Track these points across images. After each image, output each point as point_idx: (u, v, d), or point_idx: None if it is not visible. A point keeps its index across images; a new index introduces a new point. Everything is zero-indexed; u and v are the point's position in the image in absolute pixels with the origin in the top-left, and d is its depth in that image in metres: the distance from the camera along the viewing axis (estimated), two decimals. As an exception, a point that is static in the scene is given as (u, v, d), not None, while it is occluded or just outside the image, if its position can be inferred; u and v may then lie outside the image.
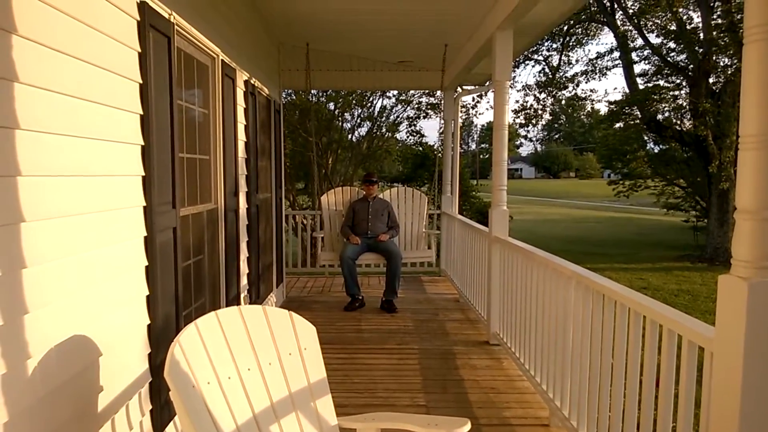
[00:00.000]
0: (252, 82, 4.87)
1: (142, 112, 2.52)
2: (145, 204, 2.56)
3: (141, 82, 2.51)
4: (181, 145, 3.15)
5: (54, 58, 1.86)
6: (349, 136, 16.84)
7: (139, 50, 2.50)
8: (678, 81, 17.13)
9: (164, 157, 2.75)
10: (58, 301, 1.90)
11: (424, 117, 16.94)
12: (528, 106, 21.58)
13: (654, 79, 17.94)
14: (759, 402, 1.74)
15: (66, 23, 1.94)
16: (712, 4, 15.06)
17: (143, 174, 2.54)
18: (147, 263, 2.59)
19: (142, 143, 2.52)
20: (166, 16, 2.83)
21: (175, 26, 2.95)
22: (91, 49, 2.11)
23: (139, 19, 2.50)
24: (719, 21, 15.00)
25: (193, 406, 1.84)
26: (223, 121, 3.93)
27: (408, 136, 18.10)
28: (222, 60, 3.90)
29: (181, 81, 3.25)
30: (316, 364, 2.22)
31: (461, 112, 13.12)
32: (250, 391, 2.04)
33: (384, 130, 17.08)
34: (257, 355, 2.10)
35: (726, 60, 15.56)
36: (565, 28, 18.57)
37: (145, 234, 2.57)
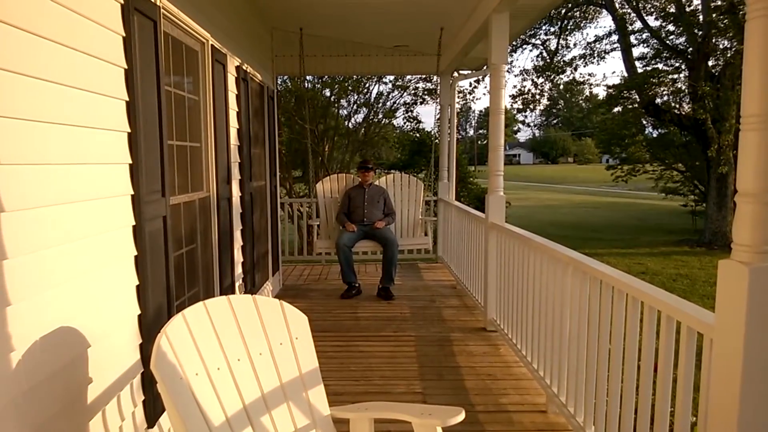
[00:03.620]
0: (244, 67, 4.80)
1: (127, 99, 2.45)
2: (132, 192, 2.50)
3: (126, 67, 2.44)
4: (170, 132, 3.09)
5: (33, 42, 1.80)
6: (346, 123, 16.76)
7: (124, 34, 2.43)
8: (677, 64, 17.01)
9: (152, 145, 2.69)
10: (43, 292, 1.86)
11: (421, 103, 16.86)
12: (526, 90, 21.49)
13: (653, 62, 17.81)
14: (759, 388, 1.70)
15: (45, 6, 1.88)
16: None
17: (130, 162, 2.48)
18: (136, 253, 2.54)
19: (129, 130, 2.46)
20: (152, -1, 2.76)
21: (162, 10, 2.88)
22: (72, 33, 2.04)
23: (122, 2, 2.43)
24: (719, 3, 14.87)
25: (181, 398, 1.80)
26: (214, 108, 3.86)
27: (405, 123, 18.02)
28: (212, 45, 3.82)
29: (169, 66, 3.19)
30: (307, 353, 2.18)
31: (458, 97, 13.03)
32: (240, 381, 2.00)
33: (381, 116, 16.99)
34: (247, 345, 2.06)
35: (726, 42, 15.45)
36: (563, 11, 18.42)
37: (134, 223, 2.52)
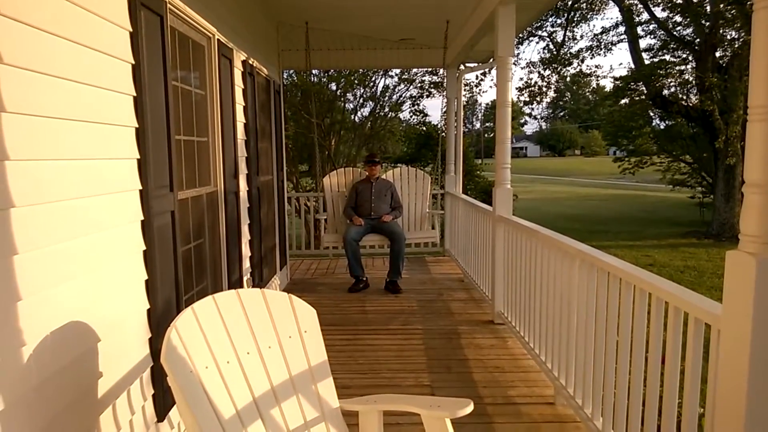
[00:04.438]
0: (250, 62, 4.81)
1: (135, 94, 2.46)
2: (141, 187, 2.52)
3: (133, 62, 2.46)
4: (177, 127, 3.11)
5: (40, 37, 1.81)
6: (352, 117, 16.74)
7: (131, 30, 2.44)
8: (684, 55, 16.90)
9: (160, 140, 2.70)
10: (53, 287, 1.87)
11: (427, 96, 16.80)
12: (532, 83, 21.36)
13: (660, 53, 17.70)
14: (767, 377, 1.70)
15: (51, 1, 1.89)
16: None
17: (138, 157, 2.49)
18: (145, 247, 2.56)
19: (136, 125, 2.47)
20: (159, -6, 2.76)
21: (168, 5, 2.89)
22: (79, 28, 2.05)
23: (129, -3, 2.43)
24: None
25: (191, 392, 1.82)
26: (221, 103, 3.87)
27: (411, 116, 17.97)
28: (218, 40, 3.83)
29: (176, 61, 3.20)
30: (316, 346, 2.19)
31: (464, 90, 12.98)
32: (250, 375, 2.01)
33: (387, 109, 16.95)
34: (256, 338, 2.07)
35: (733, 33, 15.35)
36: (570, 2, 18.31)
37: (142, 218, 2.53)
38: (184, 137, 3.36)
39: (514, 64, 4.79)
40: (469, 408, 1.89)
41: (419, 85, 16.48)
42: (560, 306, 3.32)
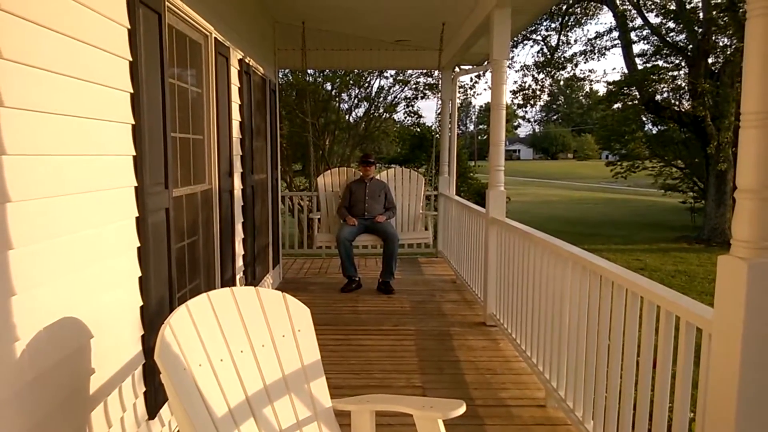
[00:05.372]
0: (247, 60, 4.80)
1: (132, 91, 2.46)
2: (136, 184, 2.52)
3: (131, 59, 2.45)
4: (173, 124, 3.10)
5: (38, 33, 1.81)
6: (347, 117, 16.75)
7: (129, 27, 2.44)
8: (677, 61, 17.03)
9: (156, 137, 2.70)
10: (48, 283, 1.87)
11: (422, 98, 16.84)
12: (526, 86, 21.45)
13: (653, 59, 17.84)
14: (757, 383, 1.72)
15: (50, -3, 1.89)
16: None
17: (134, 154, 2.49)
18: (139, 244, 2.56)
19: (133, 122, 2.47)
20: (156, -9, 2.76)
21: (166, 2, 2.89)
22: (78, 24, 2.05)
23: (127, -6, 2.43)
24: (719, 0, 14.85)
25: (184, 389, 1.82)
26: (217, 101, 3.87)
27: (406, 117, 18.00)
28: (215, 38, 3.83)
29: (173, 59, 3.19)
30: (310, 345, 2.20)
31: (459, 92, 13.02)
32: (243, 373, 2.01)
33: (381, 110, 16.96)
34: (250, 336, 2.07)
35: (725, 40, 15.46)
36: (564, 7, 18.39)
37: (137, 214, 2.53)
38: (180, 135, 3.35)
39: (508, 67, 4.81)
40: (462, 409, 1.89)
41: (414, 86, 16.52)
42: (552, 309, 3.34)
